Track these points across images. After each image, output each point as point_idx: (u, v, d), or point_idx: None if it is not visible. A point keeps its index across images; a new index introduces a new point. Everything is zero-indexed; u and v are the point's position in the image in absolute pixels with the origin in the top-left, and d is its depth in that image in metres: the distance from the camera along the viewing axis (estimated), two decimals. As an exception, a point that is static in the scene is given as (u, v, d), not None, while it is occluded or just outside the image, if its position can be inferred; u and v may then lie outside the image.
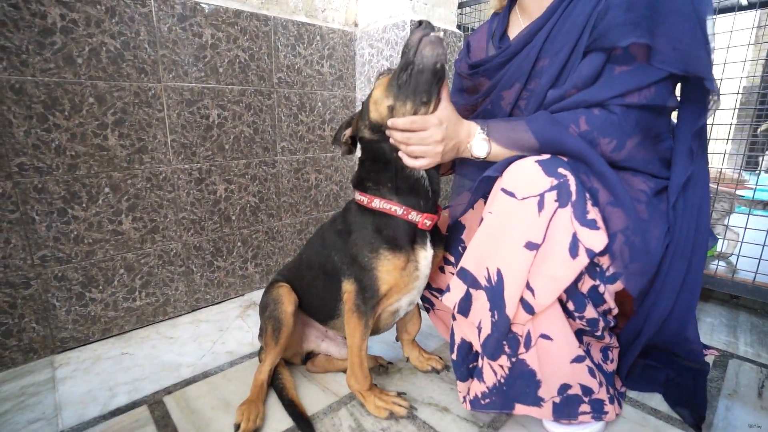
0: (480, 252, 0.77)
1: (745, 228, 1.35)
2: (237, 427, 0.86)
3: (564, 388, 0.79)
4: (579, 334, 0.83)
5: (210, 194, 1.36)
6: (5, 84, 0.98)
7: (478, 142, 0.82)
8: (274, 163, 1.51)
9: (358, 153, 0.94)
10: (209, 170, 1.34)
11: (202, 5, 1.23)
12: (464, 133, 0.82)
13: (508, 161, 0.78)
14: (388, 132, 0.81)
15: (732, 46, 1.33)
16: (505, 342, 0.77)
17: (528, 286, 0.72)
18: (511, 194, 0.73)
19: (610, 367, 0.91)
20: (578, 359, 0.77)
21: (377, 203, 0.85)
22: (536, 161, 0.73)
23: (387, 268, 0.83)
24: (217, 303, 1.45)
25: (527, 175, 0.72)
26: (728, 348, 1.18)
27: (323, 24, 1.55)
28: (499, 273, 0.74)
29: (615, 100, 0.74)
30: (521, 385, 0.79)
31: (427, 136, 0.77)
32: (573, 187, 0.70)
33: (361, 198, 0.88)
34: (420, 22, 0.76)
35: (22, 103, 1.00)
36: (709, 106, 0.76)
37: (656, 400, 0.97)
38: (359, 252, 0.85)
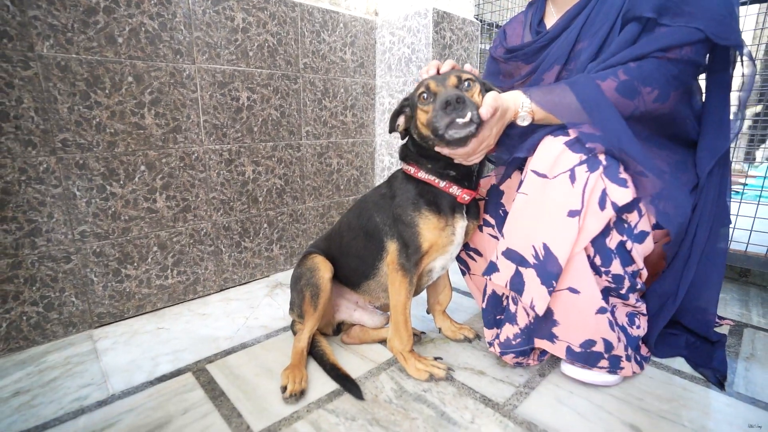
0: (523, 231, 0.82)
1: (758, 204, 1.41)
2: (284, 389, 0.89)
3: (588, 343, 0.84)
4: (606, 293, 0.88)
5: (239, 175, 1.39)
6: (52, 61, 1.00)
7: (522, 115, 0.84)
8: (299, 146, 1.54)
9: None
10: (238, 151, 1.37)
11: (234, -11, 1.27)
12: (512, 108, 0.84)
13: (537, 139, 0.83)
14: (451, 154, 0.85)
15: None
16: None
17: None
18: (543, 175, 0.79)
19: (635, 332, 0.96)
20: (601, 311, 0.82)
21: (423, 174, 0.91)
22: (564, 143, 0.77)
23: (428, 226, 0.89)
24: (244, 283, 1.48)
25: (556, 156, 0.77)
26: (742, 319, 1.24)
27: (346, 12, 1.59)
28: (545, 247, 0.78)
29: (657, 53, 0.78)
30: (542, 321, 0.86)
31: (485, 146, 0.83)
32: (602, 155, 0.75)
33: (408, 168, 0.94)
34: (447, 103, 0.75)
35: (66, 80, 1.03)
36: (743, 67, 0.81)
37: (679, 363, 1.02)
38: (403, 211, 0.91)
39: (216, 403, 0.88)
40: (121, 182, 1.15)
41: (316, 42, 1.51)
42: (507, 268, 0.84)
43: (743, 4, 1.56)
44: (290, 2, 1.41)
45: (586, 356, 0.87)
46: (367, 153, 1.79)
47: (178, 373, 0.99)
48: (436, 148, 0.86)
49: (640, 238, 0.83)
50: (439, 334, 1.15)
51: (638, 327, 0.98)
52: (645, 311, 0.99)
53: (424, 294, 1.17)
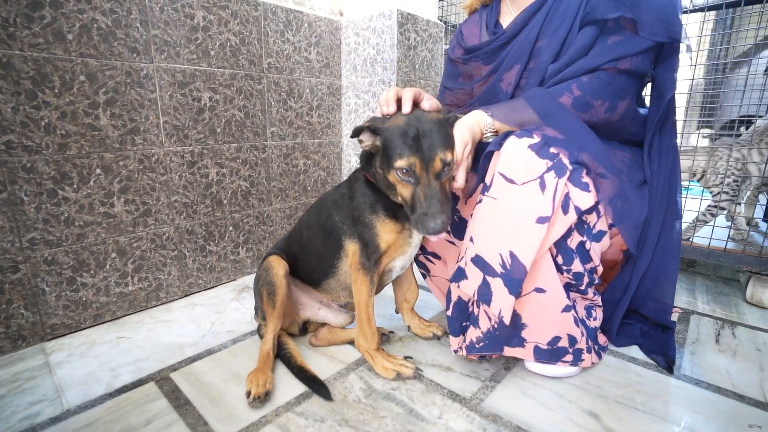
0: (492, 237, 0.82)
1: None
2: (248, 393, 0.88)
3: (555, 340, 0.88)
4: (566, 289, 0.92)
5: (202, 177, 1.35)
6: (-8, 58, 0.94)
7: (488, 135, 0.88)
8: (264, 147, 1.52)
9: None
10: (201, 153, 1.34)
11: (193, -14, 1.23)
12: (477, 130, 0.87)
13: (504, 135, 0.85)
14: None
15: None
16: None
17: None
18: (511, 181, 0.79)
19: (593, 323, 1.01)
20: (567, 309, 0.86)
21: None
22: (528, 146, 0.78)
23: (385, 229, 0.91)
24: (210, 288, 1.44)
25: (522, 162, 0.78)
26: (689, 306, 1.32)
27: (310, 11, 1.58)
28: (512, 255, 0.80)
29: (608, 65, 0.83)
30: (509, 328, 0.87)
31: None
32: (566, 160, 0.78)
33: (367, 173, 0.94)
34: (431, 204, 0.77)
35: (9, 78, 0.97)
36: (687, 52, 0.86)
37: (634, 351, 1.07)
38: (362, 213, 0.92)
39: (180, 412, 0.86)
40: (75, 186, 1.09)
41: (281, 42, 1.49)
42: (475, 277, 0.84)
43: (685, 12, 1.66)
44: (252, 1, 1.38)
45: (552, 353, 0.90)
46: (333, 153, 1.79)
47: (139, 383, 0.95)
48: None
49: (598, 237, 0.87)
50: (408, 332, 1.17)
51: (595, 318, 1.02)
52: (600, 303, 1.04)
53: (393, 294, 1.18)
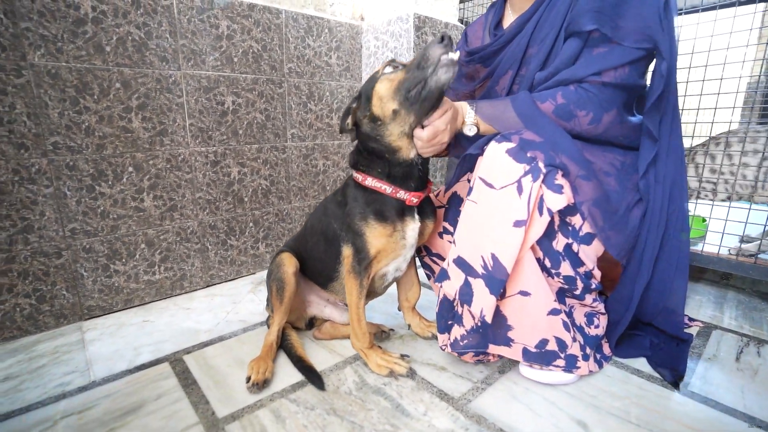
0: (472, 241, 0.85)
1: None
2: (248, 379, 0.94)
3: (542, 343, 0.87)
4: (561, 294, 0.91)
5: (224, 176, 1.45)
6: (43, 69, 1.07)
7: (468, 125, 0.91)
8: (284, 148, 1.59)
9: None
10: (224, 153, 1.43)
11: (219, -2, 1.33)
12: (460, 113, 0.92)
13: (487, 140, 0.86)
14: (415, 137, 0.86)
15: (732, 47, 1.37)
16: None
17: None
18: (490, 185, 0.81)
19: (593, 331, 0.98)
20: (554, 312, 0.85)
21: (370, 182, 0.94)
22: (506, 151, 0.80)
23: (374, 234, 0.92)
24: (230, 280, 1.54)
25: (501, 166, 0.80)
26: (713, 321, 1.24)
27: (331, 17, 1.64)
28: (493, 257, 0.81)
29: (592, 77, 0.82)
30: (494, 327, 0.88)
31: (439, 140, 0.86)
32: (542, 163, 0.78)
33: (357, 176, 0.96)
34: (443, 38, 0.77)
35: (57, 86, 1.10)
36: (660, 84, 0.83)
37: (640, 363, 1.03)
38: (352, 220, 0.94)
39: (187, 391, 0.94)
40: (110, 183, 1.21)
41: (301, 47, 1.56)
42: (457, 278, 0.87)
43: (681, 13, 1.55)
44: (274, 9, 1.46)
45: (541, 356, 0.90)
46: (354, 154, 1.83)
47: (156, 362, 1.05)
48: (415, 134, 0.85)
49: (587, 239, 0.85)
50: (408, 331, 1.19)
51: (597, 326, 1.00)
52: (603, 310, 1.01)
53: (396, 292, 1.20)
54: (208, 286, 1.48)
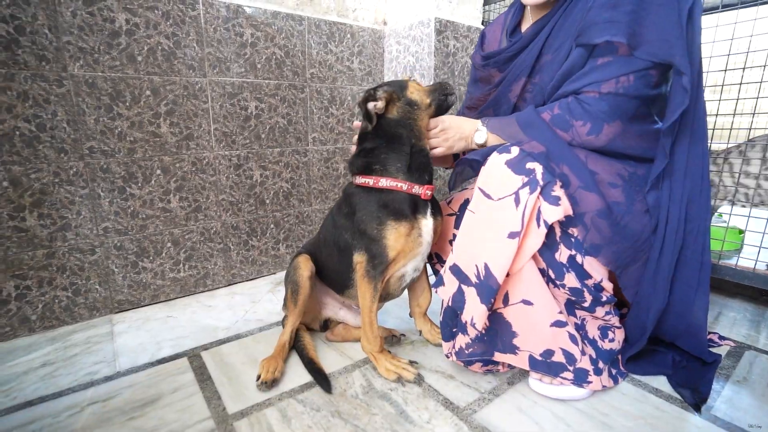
0: (468, 250, 0.86)
1: None
2: (258, 377, 0.98)
3: (548, 353, 0.85)
4: (570, 306, 0.88)
5: (247, 179, 1.50)
6: (81, 79, 1.15)
7: (479, 134, 0.94)
8: (306, 152, 1.63)
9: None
10: (247, 157, 1.48)
11: (244, 7, 1.37)
12: (469, 127, 0.95)
13: (490, 150, 0.86)
14: (431, 132, 1.00)
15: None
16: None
17: None
18: (488, 196, 0.82)
19: (608, 345, 0.95)
20: (558, 324, 0.82)
21: (384, 182, 0.95)
22: (506, 162, 0.80)
23: (394, 236, 0.93)
24: (250, 279, 1.59)
25: (499, 178, 0.80)
26: (747, 341, 1.17)
27: (354, 23, 1.66)
28: (486, 267, 0.82)
29: (587, 88, 0.80)
30: (499, 334, 0.87)
31: (442, 139, 0.97)
32: (540, 175, 0.77)
33: (366, 180, 0.97)
34: (446, 86, 1.01)
35: (93, 95, 1.18)
36: (684, 100, 0.78)
37: (660, 381, 0.99)
38: (367, 226, 0.95)
39: (202, 386, 0.98)
40: (139, 184, 1.29)
41: (323, 53, 1.59)
42: (451, 284, 0.88)
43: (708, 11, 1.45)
44: (297, 17, 1.49)
45: (548, 365, 0.88)
46: (375, 158, 1.85)
47: (176, 357, 1.10)
48: (432, 122, 1.00)
49: (593, 251, 0.82)
50: (419, 337, 1.19)
51: (612, 340, 0.96)
52: (619, 324, 0.97)
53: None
54: (229, 285, 1.54)
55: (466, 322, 0.86)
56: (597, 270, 0.84)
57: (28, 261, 1.16)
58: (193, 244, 1.43)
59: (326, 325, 1.21)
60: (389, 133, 0.98)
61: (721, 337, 1.15)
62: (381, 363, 1.01)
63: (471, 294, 0.84)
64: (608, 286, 0.88)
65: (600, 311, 0.90)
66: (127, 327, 1.25)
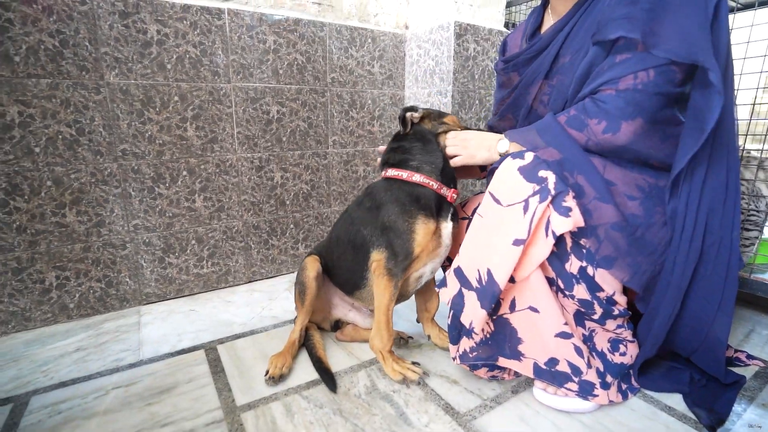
0: (472, 254, 0.85)
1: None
2: (267, 372, 1.02)
3: (552, 362, 0.83)
4: (580, 316, 0.86)
5: (268, 180, 1.56)
6: (116, 87, 1.24)
7: (502, 143, 0.93)
8: (326, 154, 1.67)
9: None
10: (268, 159, 1.54)
11: (267, 15, 1.43)
12: (491, 137, 0.95)
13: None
14: (449, 140, 1.03)
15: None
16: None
17: None
18: (497, 201, 0.81)
19: (618, 359, 0.92)
20: (563, 335, 0.81)
21: (417, 177, 0.98)
22: (518, 168, 0.79)
23: (423, 231, 0.95)
24: (270, 277, 1.65)
25: (511, 184, 0.79)
26: (779, 361, 1.09)
27: (375, 27, 1.68)
28: (489, 272, 0.81)
29: (604, 86, 0.78)
30: (503, 340, 0.87)
31: (462, 150, 0.99)
32: (552, 185, 0.75)
33: (399, 173, 1.00)
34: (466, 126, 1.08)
35: (126, 101, 1.27)
36: (713, 104, 0.73)
37: (674, 400, 0.94)
38: (397, 218, 0.96)
39: (215, 378, 1.03)
40: (167, 185, 1.37)
41: (344, 57, 1.62)
42: (453, 286, 0.88)
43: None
44: (318, 23, 1.54)
45: (552, 375, 0.86)
46: (394, 161, 1.86)
47: (194, 349, 1.16)
48: (452, 134, 1.03)
49: (605, 264, 0.80)
50: (427, 341, 1.20)
51: (623, 354, 0.93)
52: (632, 338, 0.94)
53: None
54: (249, 282, 1.60)
55: (464, 325, 0.86)
56: (609, 283, 0.82)
57: (67, 254, 1.27)
58: (216, 242, 1.50)
59: (337, 325, 1.24)
60: (424, 139, 1.03)
61: (750, 357, 1.09)
62: (389, 363, 1.03)
63: (471, 298, 0.84)
64: (621, 300, 0.85)
65: (611, 324, 0.88)
66: (152, 318, 1.33)
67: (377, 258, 0.99)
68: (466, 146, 0.98)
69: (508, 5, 1.69)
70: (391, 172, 1.02)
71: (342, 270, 1.12)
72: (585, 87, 0.81)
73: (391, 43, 1.73)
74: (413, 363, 1.05)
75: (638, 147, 0.80)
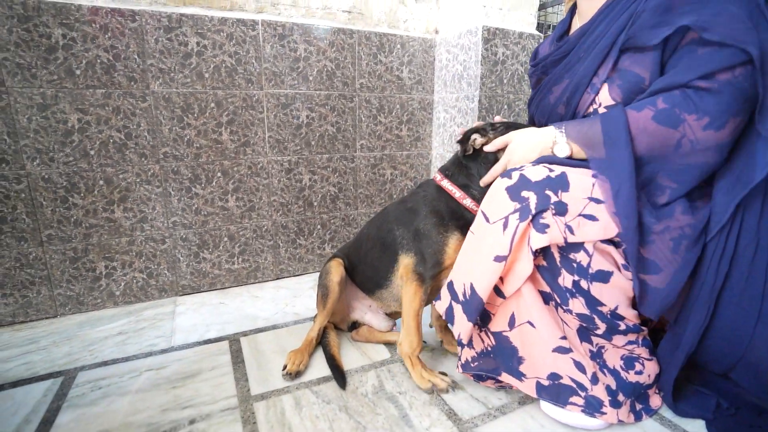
0: (462, 269, 0.88)
1: None
2: (284, 367, 1.07)
3: (554, 376, 0.82)
4: (584, 332, 0.84)
5: (297, 182, 1.62)
6: (159, 95, 1.36)
7: (559, 147, 0.85)
8: (353, 158, 1.71)
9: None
10: (297, 162, 1.61)
11: (298, 25, 1.50)
12: (538, 139, 0.88)
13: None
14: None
15: None
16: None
17: (500, 277, 0.81)
18: (486, 218, 0.83)
19: (633, 377, 0.88)
20: (560, 350, 0.79)
21: (468, 203, 0.99)
22: (506, 188, 0.80)
23: (455, 246, 0.96)
24: (296, 275, 1.72)
25: (498, 202, 0.81)
26: (827, 393, 0.99)
27: (404, 33, 1.70)
28: (471, 287, 0.83)
29: (698, 81, 0.71)
30: (505, 357, 0.87)
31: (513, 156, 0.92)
32: (533, 205, 0.76)
33: (453, 190, 1.01)
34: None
35: (168, 108, 1.38)
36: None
37: (695, 426, 0.89)
38: (433, 227, 0.98)
39: (234, 368, 1.11)
40: (203, 185, 1.47)
41: (373, 63, 1.66)
42: (446, 299, 0.91)
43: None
44: (348, 30, 1.58)
45: (556, 391, 0.84)
46: (422, 165, 1.88)
47: (219, 339, 1.25)
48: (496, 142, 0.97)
49: (600, 277, 0.78)
50: (440, 346, 1.20)
51: (639, 373, 0.89)
52: (649, 356, 0.89)
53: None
54: (277, 279, 1.68)
55: (454, 334, 0.89)
56: (610, 297, 0.79)
57: (114, 246, 1.40)
58: (247, 240, 1.59)
59: (354, 326, 1.28)
60: (489, 167, 0.98)
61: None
62: (417, 369, 1.01)
63: (458, 311, 0.87)
64: (629, 314, 0.82)
65: (619, 340, 0.84)
66: (186, 309, 1.44)
67: (406, 262, 1.01)
68: (508, 160, 0.91)
69: (543, 7, 1.65)
70: (446, 185, 1.02)
71: (366, 267, 1.15)
72: (671, 77, 0.74)
73: (421, 48, 1.74)
74: (441, 373, 1.03)
75: (728, 146, 0.74)
